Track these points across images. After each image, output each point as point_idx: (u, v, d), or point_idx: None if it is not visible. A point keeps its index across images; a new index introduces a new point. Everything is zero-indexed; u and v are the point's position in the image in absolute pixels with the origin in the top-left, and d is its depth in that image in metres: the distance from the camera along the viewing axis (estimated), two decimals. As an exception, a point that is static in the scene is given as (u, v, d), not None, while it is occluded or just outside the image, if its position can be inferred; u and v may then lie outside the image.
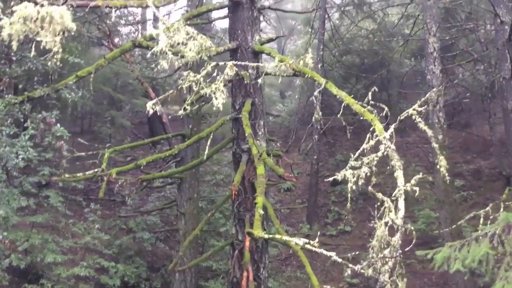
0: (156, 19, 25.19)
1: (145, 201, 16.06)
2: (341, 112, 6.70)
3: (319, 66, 18.24)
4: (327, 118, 18.06)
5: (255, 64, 6.29)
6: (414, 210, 15.69)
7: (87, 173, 8.28)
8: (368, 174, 5.24)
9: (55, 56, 4.11)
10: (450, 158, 17.06)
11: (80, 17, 13.39)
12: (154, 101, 5.24)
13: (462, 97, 17.75)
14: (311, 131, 18.67)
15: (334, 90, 6.89)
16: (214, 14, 17.70)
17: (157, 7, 6.03)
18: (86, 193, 15.67)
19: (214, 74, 5.63)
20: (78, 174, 8.37)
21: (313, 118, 6.84)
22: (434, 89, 5.73)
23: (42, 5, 3.63)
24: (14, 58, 6.77)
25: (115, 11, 5.84)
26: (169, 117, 13.09)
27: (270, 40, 9.65)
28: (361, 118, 6.19)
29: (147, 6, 6.20)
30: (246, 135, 7.96)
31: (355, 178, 5.21)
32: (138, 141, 13.09)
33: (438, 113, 12.13)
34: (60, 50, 4.18)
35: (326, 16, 18.97)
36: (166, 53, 4.94)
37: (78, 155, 9.27)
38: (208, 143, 8.38)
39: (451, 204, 11.50)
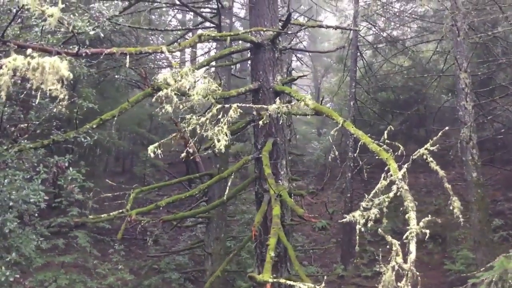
0: (193, 60, 25.99)
1: (177, 241, 16.11)
2: (358, 151, 6.62)
3: (352, 103, 18.17)
4: (362, 156, 17.79)
5: (259, 106, 6.31)
6: (452, 251, 15.03)
7: (111, 214, 8.45)
8: (378, 215, 5.09)
9: (61, 103, 4.27)
10: (490, 196, 16.38)
11: (117, 60, 14.08)
12: (156, 144, 5.34)
13: (499, 133, 17.14)
14: (345, 169, 18.43)
15: (352, 129, 6.86)
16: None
17: (170, 52, 6.20)
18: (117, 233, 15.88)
19: (221, 116, 5.67)
20: (103, 215, 8.57)
21: (329, 157, 6.74)
22: (447, 127, 5.55)
23: (32, 57, 3.81)
24: (33, 104, 7.11)
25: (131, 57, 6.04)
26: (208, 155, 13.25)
27: (291, 80, 9.71)
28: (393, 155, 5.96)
29: (161, 52, 6.41)
30: (266, 175, 7.95)
31: (364, 220, 5.07)
32: (165, 181, 13.28)
33: (471, 149, 11.78)
34: (66, 97, 4.34)
35: (358, 53, 18.98)
36: (172, 97, 5.06)
37: (104, 195, 9.53)
38: (229, 183, 8.42)
39: (488, 245, 10.94)
